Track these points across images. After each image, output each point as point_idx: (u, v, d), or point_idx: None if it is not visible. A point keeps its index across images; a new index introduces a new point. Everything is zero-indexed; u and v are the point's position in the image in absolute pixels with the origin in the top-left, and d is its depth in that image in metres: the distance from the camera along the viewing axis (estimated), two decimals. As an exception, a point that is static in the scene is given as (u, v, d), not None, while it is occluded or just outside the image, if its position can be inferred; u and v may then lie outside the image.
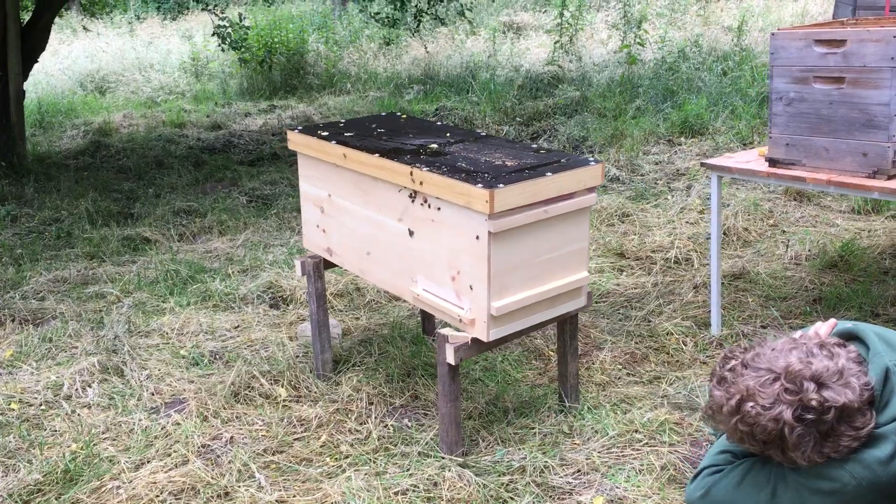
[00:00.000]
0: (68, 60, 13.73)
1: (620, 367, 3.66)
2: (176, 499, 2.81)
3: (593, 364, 3.67)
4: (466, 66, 11.58)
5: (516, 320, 2.85)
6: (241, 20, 11.21)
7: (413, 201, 2.93)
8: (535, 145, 3.17)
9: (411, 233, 2.98)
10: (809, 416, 1.65)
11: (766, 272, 4.50)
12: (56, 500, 2.83)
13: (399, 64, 12.58)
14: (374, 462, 2.99)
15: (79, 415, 3.41)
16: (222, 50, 10.35)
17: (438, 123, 3.62)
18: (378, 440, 3.13)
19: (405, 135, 3.38)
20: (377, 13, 11.12)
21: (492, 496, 2.73)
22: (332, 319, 4.09)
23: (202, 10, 10.29)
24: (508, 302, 2.77)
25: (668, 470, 2.84)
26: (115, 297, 4.60)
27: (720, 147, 7.31)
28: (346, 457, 3.04)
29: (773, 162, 3.47)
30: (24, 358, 3.93)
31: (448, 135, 3.36)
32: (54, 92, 12.07)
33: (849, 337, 1.89)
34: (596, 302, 4.33)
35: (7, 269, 5.11)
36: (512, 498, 2.74)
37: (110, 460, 3.07)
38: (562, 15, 11.34)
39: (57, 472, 2.94)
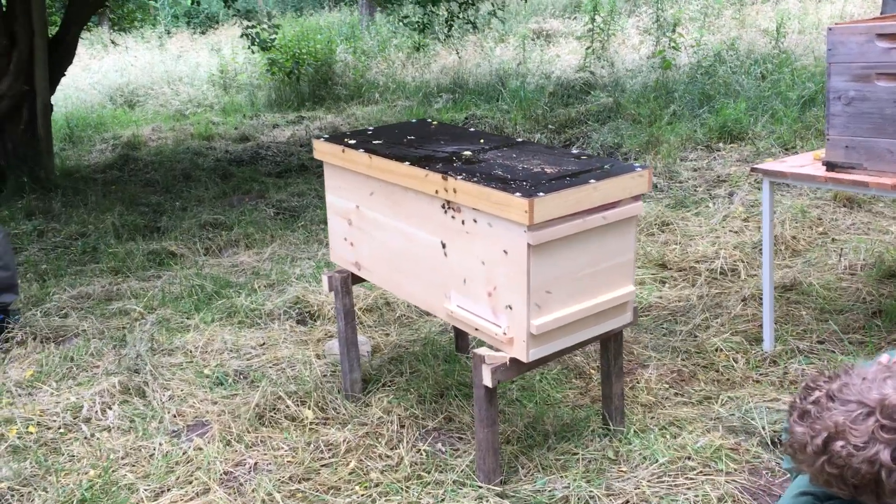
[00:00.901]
0: (98, 75, 13.79)
1: (667, 386, 3.43)
2: (196, 531, 2.65)
3: (638, 383, 3.45)
4: (496, 73, 11.40)
5: (558, 339, 2.65)
6: (269, 19, 11.13)
7: (445, 212, 2.75)
8: (575, 151, 2.97)
9: (444, 245, 2.79)
10: None
11: (820, 283, 4.24)
12: (71, 532, 2.68)
13: (427, 73, 12.44)
14: (407, 491, 2.80)
15: (98, 438, 3.26)
16: (252, 52, 10.26)
17: (471, 129, 3.44)
18: (410, 467, 2.94)
19: (436, 142, 3.20)
20: (406, 16, 10.97)
21: (534, 530, 2.53)
22: (360, 336, 3.91)
23: (233, 15, 10.18)
24: (549, 319, 2.57)
25: (727, 502, 2.61)
26: (139, 314, 4.47)
27: (761, 152, 7.05)
28: (377, 485, 2.85)
29: (831, 166, 3.23)
30: (44, 378, 3.80)
31: (482, 141, 3.17)
32: (84, 106, 12.10)
33: None
34: (638, 316, 4.10)
35: (31, 286, 5.01)
36: (556, 532, 2.53)
37: (129, 488, 2.91)
38: (593, 20, 11.12)
39: (73, 502, 2.79)
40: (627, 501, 2.66)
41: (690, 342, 3.79)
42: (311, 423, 3.29)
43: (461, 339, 3.81)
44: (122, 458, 3.11)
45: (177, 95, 12.59)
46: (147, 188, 7.59)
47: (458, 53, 12.22)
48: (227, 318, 4.38)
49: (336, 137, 3.34)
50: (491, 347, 2.70)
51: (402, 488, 2.82)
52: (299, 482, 2.90)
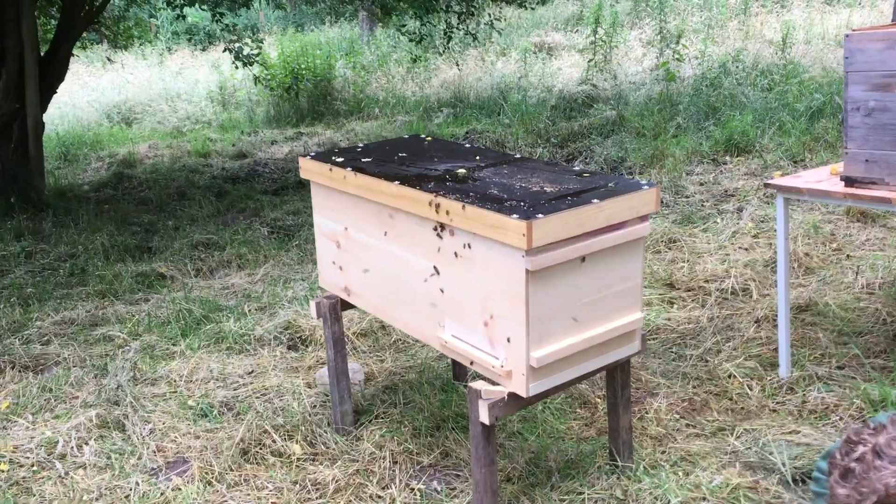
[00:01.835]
0: (96, 92, 13.66)
1: (678, 416, 3.22)
2: (170, 583, 2.44)
3: (646, 413, 3.24)
4: (497, 87, 11.24)
5: (560, 371, 2.45)
6: (254, 34, 10.97)
7: (438, 235, 2.55)
8: (576, 168, 2.78)
9: (437, 271, 2.60)
10: None
11: (836, 303, 4.03)
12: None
13: (428, 87, 12.29)
14: (399, 536, 2.59)
15: (72, 477, 3.06)
16: (236, 67, 10.11)
17: (466, 146, 3.25)
18: (403, 509, 2.73)
19: (429, 159, 3.01)
20: (403, 25, 10.82)
21: (536, 582, 2.32)
22: (353, 364, 3.71)
23: (221, 31, 9.99)
24: (551, 351, 2.37)
25: (746, 549, 2.40)
26: (123, 340, 4.27)
27: (769, 165, 6.85)
28: (367, 529, 2.65)
29: (849, 181, 3.03)
30: (20, 410, 3.60)
31: (477, 158, 2.98)
32: (80, 124, 11.96)
33: None
34: (646, 342, 3.89)
35: (14, 310, 4.82)
36: (560, 584, 2.32)
37: (101, 534, 2.71)
38: (595, 33, 10.96)
39: (38, 550, 2.59)
40: (637, 548, 2.45)
41: (701, 368, 3.58)
42: (298, 460, 3.08)
43: (459, 367, 3.60)
44: (96, 500, 2.91)
45: (175, 112, 12.44)
46: (140, 207, 7.41)
47: (458, 66, 12.06)
48: (214, 345, 4.19)
49: (323, 155, 3.15)
50: (488, 380, 2.50)
51: (393, 533, 2.61)
52: (283, 526, 2.70)
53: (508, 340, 2.38)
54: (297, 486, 2.90)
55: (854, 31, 2.95)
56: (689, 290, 4.42)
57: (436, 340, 2.70)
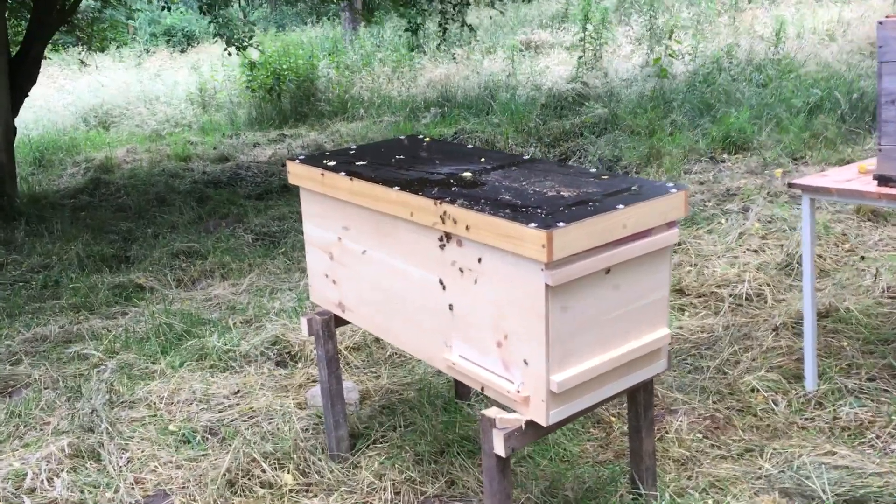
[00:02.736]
0: (72, 96, 13.29)
1: (701, 436, 2.98)
2: None
3: (667, 433, 3.00)
4: (485, 86, 11.00)
5: (583, 395, 2.20)
6: (244, 17, 10.67)
7: (444, 246, 2.30)
8: (593, 170, 2.53)
9: (443, 285, 2.35)
10: None
11: (857, 308, 3.81)
12: None
13: (414, 87, 12.03)
14: (405, 580, 2.34)
15: (41, 515, 2.78)
16: (229, 54, 9.78)
17: (468, 146, 3.00)
18: (408, 547, 2.48)
19: (430, 162, 2.76)
20: (402, 16, 10.57)
21: None
22: (347, 382, 3.45)
23: (209, 23, 9.61)
24: (574, 374, 2.13)
25: (793, 591, 2.16)
26: (99, 359, 3.99)
27: (769, 162, 6.66)
28: (369, 573, 2.39)
29: (884, 180, 2.81)
30: (-15, 439, 3.32)
31: (483, 160, 2.73)
32: (56, 128, 11.60)
33: None
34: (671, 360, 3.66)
35: (-18, 327, 4.53)
36: None
37: (72, 582, 2.43)
38: (584, 29, 10.75)
39: None
40: (671, 590, 2.21)
41: (721, 381, 3.35)
42: (290, 491, 2.82)
43: (461, 385, 3.35)
44: (67, 542, 2.63)
45: (153, 115, 12.11)
46: (118, 214, 7.11)
47: (454, 58, 11.80)
48: (197, 362, 3.91)
49: (314, 158, 2.89)
50: (502, 406, 2.25)
51: (398, 577, 2.36)
52: (276, 570, 2.43)
53: (525, 363, 2.14)
54: (290, 522, 2.64)
55: (888, 17, 2.73)
56: (700, 296, 4.19)
57: (442, 362, 2.44)
